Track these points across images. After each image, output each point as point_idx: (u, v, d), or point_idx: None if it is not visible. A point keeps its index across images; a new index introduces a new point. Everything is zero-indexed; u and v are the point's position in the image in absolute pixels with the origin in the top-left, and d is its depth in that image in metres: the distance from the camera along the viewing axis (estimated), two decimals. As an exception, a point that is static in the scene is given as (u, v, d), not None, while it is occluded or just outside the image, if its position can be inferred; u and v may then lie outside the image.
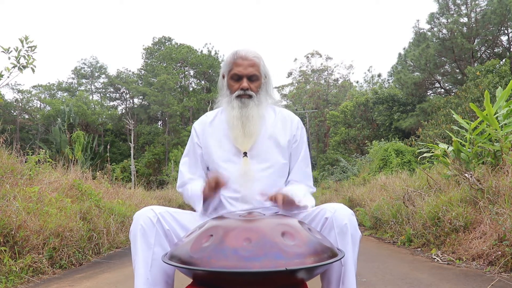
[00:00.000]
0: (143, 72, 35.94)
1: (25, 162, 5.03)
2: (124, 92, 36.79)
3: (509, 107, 4.43)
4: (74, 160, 7.01)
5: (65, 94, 35.90)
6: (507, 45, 18.03)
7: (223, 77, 1.71)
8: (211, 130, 1.70)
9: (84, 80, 37.70)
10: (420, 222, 4.52)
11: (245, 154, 1.61)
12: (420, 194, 5.17)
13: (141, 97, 35.14)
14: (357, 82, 38.75)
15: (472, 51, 17.62)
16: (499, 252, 3.09)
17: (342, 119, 25.80)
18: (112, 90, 37.33)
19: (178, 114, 31.58)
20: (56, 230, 3.83)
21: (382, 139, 17.42)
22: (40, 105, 33.26)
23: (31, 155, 5.14)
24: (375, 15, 70.11)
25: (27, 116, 31.19)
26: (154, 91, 31.25)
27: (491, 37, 17.73)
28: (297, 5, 73.20)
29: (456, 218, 3.87)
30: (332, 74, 39.23)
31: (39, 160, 5.26)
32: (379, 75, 35.44)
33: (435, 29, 18.43)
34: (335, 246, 1.37)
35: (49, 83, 36.14)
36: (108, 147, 16.12)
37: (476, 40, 17.96)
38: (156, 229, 1.43)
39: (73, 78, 37.72)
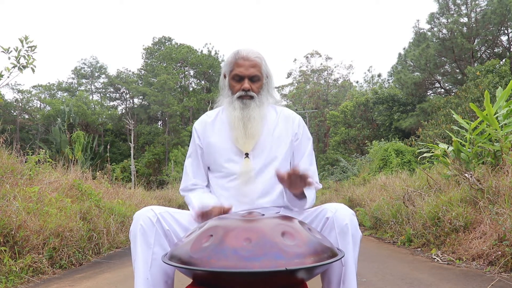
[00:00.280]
0: (143, 72, 35.96)
1: (25, 162, 5.03)
2: (124, 92, 36.81)
3: (509, 107, 4.43)
4: (74, 160, 7.01)
5: (65, 94, 35.91)
6: (507, 45, 18.03)
7: (225, 76, 1.70)
8: (212, 130, 1.70)
9: (84, 80, 37.71)
10: (420, 222, 4.52)
11: (246, 155, 1.61)
12: (420, 194, 5.17)
13: (141, 97, 35.16)
14: (357, 82, 38.80)
15: (472, 51, 17.63)
16: (499, 252, 3.10)
17: (342, 119, 25.80)
18: (112, 90, 37.35)
19: (178, 114, 31.60)
20: (56, 230, 3.83)
21: (382, 139, 17.42)
22: (40, 105, 33.29)
23: (31, 155, 5.14)
24: (375, 15, 70.16)
25: (27, 116, 31.20)
26: (154, 91, 31.26)
27: (491, 37, 17.74)
28: (297, 5, 73.22)
29: (456, 218, 3.87)
30: (332, 74, 39.25)
31: (39, 160, 5.26)
32: (379, 75, 35.47)
33: (435, 29, 18.44)
34: (336, 246, 1.37)
35: (49, 83, 36.20)
36: (108, 147, 16.10)
37: (476, 40, 17.97)
38: (155, 229, 1.43)
39: (73, 78, 37.76)
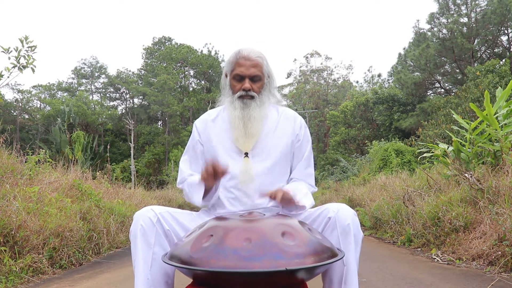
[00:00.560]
0: (143, 72, 35.95)
1: (25, 162, 5.03)
2: (124, 92, 36.80)
3: (509, 107, 4.43)
4: (74, 160, 7.01)
5: (65, 94, 35.90)
6: (507, 45, 18.03)
7: (226, 76, 1.70)
8: (213, 128, 1.70)
9: (84, 80, 37.70)
10: (420, 222, 4.52)
11: (246, 154, 1.61)
12: (420, 194, 5.17)
13: (141, 97, 35.15)
14: (357, 82, 38.78)
15: (472, 51, 17.62)
16: (499, 252, 3.09)
17: (342, 119, 25.80)
18: (112, 90, 37.34)
19: (178, 114, 31.59)
20: (56, 230, 3.83)
21: (382, 139, 17.42)
22: (40, 105, 33.28)
23: (31, 155, 5.14)
24: (375, 15, 70.15)
25: (27, 116, 31.20)
26: (154, 91, 31.25)
27: (491, 37, 17.73)
28: (297, 5, 73.22)
29: (456, 218, 3.87)
30: (332, 74, 39.25)
31: (39, 160, 5.26)
32: (379, 75, 35.45)
33: (435, 29, 18.43)
34: (338, 246, 1.37)
35: (49, 83, 36.18)
36: (108, 147, 16.11)
37: (476, 40, 17.96)
38: (156, 229, 1.43)
39: (73, 78, 37.75)
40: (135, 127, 27.36)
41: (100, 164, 16.84)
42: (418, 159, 10.14)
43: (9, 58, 4.74)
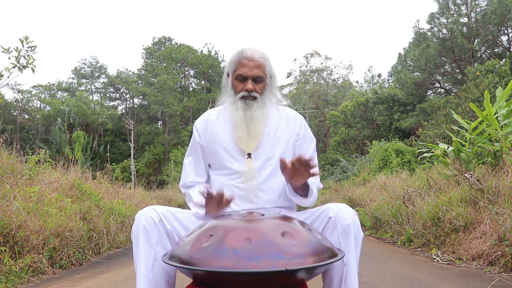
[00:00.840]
0: (143, 72, 35.94)
1: (25, 162, 5.03)
2: (124, 92, 36.79)
3: (509, 107, 4.43)
4: (74, 160, 7.01)
5: (65, 94, 35.90)
6: (507, 45, 18.02)
7: (228, 75, 1.69)
8: (213, 129, 1.70)
9: (84, 80, 37.70)
10: (420, 222, 4.52)
11: (249, 155, 1.61)
12: (420, 194, 5.17)
13: (141, 97, 35.14)
14: (357, 82, 38.78)
15: (472, 51, 17.62)
16: (499, 252, 3.10)
17: (342, 119, 25.80)
18: (112, 90, 37.33)
19: (178, 114, 31.58)
20: (56, 230, 3.83)
21: (382, 139, 17.42)
22: (40, 105, 33.27)
23: (31, 155, 5.14)
24: (375, 15, 70.13)
25: (27, 116, 31.19)
26: (154, 91, 31.25)
27: (491, 37, 17.73)
28: (297, 5, 73.22)
29: (456, 218, 3.87)
30: (331, 74, 39.24)
31: (39, 160, 5.26)
32: (379, 75, 35.44)
33: (435, 29, 18.43)
34: (338, 246, 1.37)
35: (49, 83, 36.17)
36: (108, 147, 16.11)
37: (476, 40, 17.96)
38: (158, 229, 1.42)
39: (73, 78, 37.74)
40: (135, 127, 27.36)
41: (100, 164, 16.84)
42: (418, 159, 10.15)
43: (9, 58, 4.75)
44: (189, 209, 1.65)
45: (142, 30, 65.63)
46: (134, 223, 1.45)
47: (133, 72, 37.15)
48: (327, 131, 31.81)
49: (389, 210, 5.84)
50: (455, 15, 17.56)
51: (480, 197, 3.88)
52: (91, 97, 35.73)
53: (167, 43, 36.34)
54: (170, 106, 29.79)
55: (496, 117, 4.43)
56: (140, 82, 35.33)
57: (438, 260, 3.71)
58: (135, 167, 20.50)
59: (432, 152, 5.45)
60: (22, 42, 4.76)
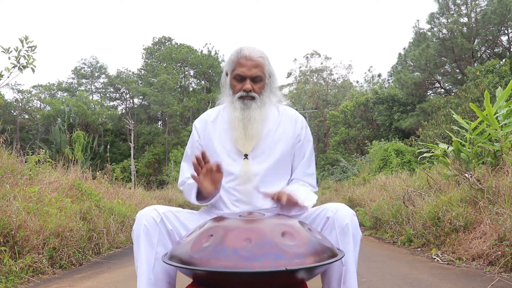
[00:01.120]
0: (143, 72, 35.95)
1: (25, 162, 5.03)
2: (124, 92, 36.80)
3: (509, 107, 4.43)
4: (74, 160, 7.01)
5: (65, 94, 35.91)
6: (507, 45, 18.02)
7: (227, 74, 1.66)
8: (212, 129, 1.68)
9: (84, 80, 37.71)
10: (420, 222, 4.52)
11: (246, 156, 1.59)
12: (420, 194, 5.17)
13: (141, 97, 35.15)
14: (357, 82, 38.78)
15: (472, 51, 17.62)
16: (499, 252, 3.10)
17: (342, 119, 25.80)
18: (112, 90, 37.34)
19: (178, 114, 31.58)
20: (56, 230, 3.83)
21: (382, 139, 17.42)
22: (40, 105, 33.28)
23: (31, 155, 5.14)
24: (375, 15, 70.12)
25: (27, 116, 31.19)
26: (154, 91, 31.25)
27: (491, 37, 17.73)
28: (297, 5, 73.21)
29: (456, 218, 3.87)
30: (331, 74, 39.24)
31: (39, 160, 5.26)
32: (379, 75, 35.42)
33: (435, 29, 18.43)
34: (336, 246, 1.37)
35: (49, 83, 36.19)
36: (108, 147, 16.11)
37: (476, 40, 17.96)
38: (159, 229, 1.41)
39: (73, 78, 37.76)
40: (135, 127, 27.36)
41: (100, 164, 16.84)
42: (418, 159, 10.15)
43: (9, 58, 4.75)
44: (189, 209, 1.64)
45: (142, 30, 65.68)
46: (135, 223, 1.44)
47: (133, 72, 37.19)
48: (327, 131, 31.81)
49: (389, 210, 5.84)
50: (455, 15, 17.56)
51: (480, 197, 3.88)
52: (91, 97, 35.74)
53: (167, 43, 36.34)
54: (170, 106, 29.79)
55: (496, 117, 4.43)
56: (140, 82, 35.34)
57: (438, 260, 3.71)
58: (135, 167, 20.50)
59: (432, 152, 5.45)
60: (22, 42, 4.76)
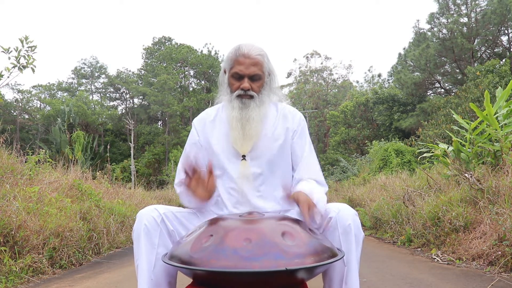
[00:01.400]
0: (143, 72, 35.95)
1: (25, 162, 5.03)
2: (124, 92, 36.80)
3: (509, 107, 4.43)
4: (74, 160, 7.01)
5: (65, 94, 35.92)
6: (507, 45, 18.02)
7: (225, 72, 1.62)
8: (211, 129, 1.65)
9: (84, 80, 37.71)
10: (420, 222, 4.52)
11: (243, 157, 1.56)
12: (420, 194, 5.17)
13: (141, 97, 35.15)
14: (357, 82, 38.79)
15: (472, 51, 17.62)
16: (499, 252, 3.09)
17: (342, 119, 25.79)
18: (112, 90, 37.34)
19: (178, 114, 31.58)
20: (56, 230, 3.83)
21: (382, 139, 17.42)
22: (40, 105, 33.28)
23: (31, 155, 5.14)
24: (375, 15, 70.12)
25: (27, 116, 31.19)
26: (154, 91, 31.25)
27: (491, 37, 17.73)
28: (297, 5, 73.21)
29: (456, 218, 3.87)
30: (331, 74, 39.24)
31: (39, 160, 5.26)
32: (379, 75, 35.43)
33: (435, 29, 18.43)
34: (339, 246, 1.36)
35: (49, 83, 36.20)
36: (108, 147, 16.09)
37: (476, 40, 17.96)
38: (160, 229, 1.40)
39: (73, 78, 37.76)
40: (135, 127, 27.36)
41: (100, 164, 16.85)
42: (418, 159, 10.15)
43: (9, 58, 4.75)
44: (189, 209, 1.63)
45: (142, 30, 65.69)
46: (135, 223, 1.43)
47: (133, 72, 37.19)
48: (327, 131, 31.81)
49: (389, 210, 5.84)
50: (455, 15, 17.56)
51: (480, 197, 3.88)
52: (91, 97, 35.74)
53: (167, 43, 36.34)
54: (170, 106, 29.79)
55: (496, 117, 4.43)
56: (140, 82, 35.33)
57: (438, 260, 3.71)
58: (135, 167, 20.50)
59: (432, 152, 5.45)
60: (22, 42, 4.76)
